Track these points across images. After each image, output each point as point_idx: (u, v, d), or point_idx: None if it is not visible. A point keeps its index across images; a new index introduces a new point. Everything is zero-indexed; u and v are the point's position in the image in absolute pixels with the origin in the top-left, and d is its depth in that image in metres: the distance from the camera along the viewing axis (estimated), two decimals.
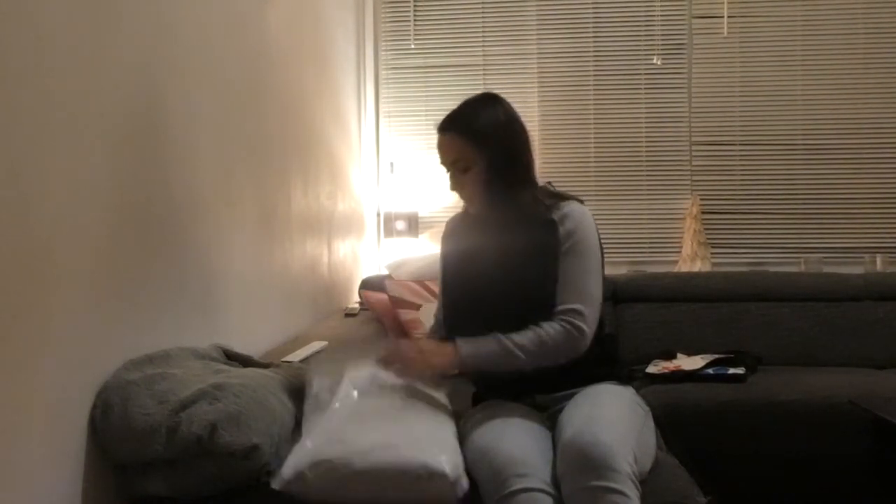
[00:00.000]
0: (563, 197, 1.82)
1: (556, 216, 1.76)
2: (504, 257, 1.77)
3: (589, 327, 1.71)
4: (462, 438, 1.65)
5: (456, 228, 1.94)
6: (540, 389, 1.77)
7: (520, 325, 1.71)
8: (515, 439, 1.55)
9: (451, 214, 1.98)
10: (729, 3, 3.75)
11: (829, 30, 3.73)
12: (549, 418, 1.71)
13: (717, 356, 2.85)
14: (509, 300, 1.74)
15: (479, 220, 1.86)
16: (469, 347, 1.69)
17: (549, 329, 1.69)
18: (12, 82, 1.30)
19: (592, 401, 1.65)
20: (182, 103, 1.90)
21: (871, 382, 2.70)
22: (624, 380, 1.83)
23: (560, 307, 1.71)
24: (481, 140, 1.77)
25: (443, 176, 1.85)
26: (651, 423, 1.73)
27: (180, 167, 1.88)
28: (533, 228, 1.76)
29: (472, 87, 3.89)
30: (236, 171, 2.25)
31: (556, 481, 1.48)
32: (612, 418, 1.56)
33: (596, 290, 1.75)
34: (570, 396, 1.70)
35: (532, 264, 1.75)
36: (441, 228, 1.98)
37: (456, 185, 1.82)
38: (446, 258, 1.93)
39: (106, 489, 1.53)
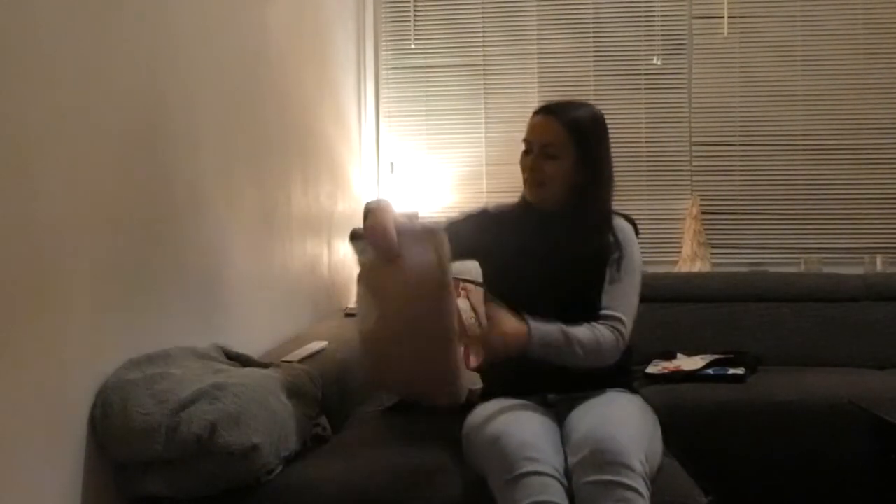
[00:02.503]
0: (615, 213, 1.86)
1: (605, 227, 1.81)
2: (552, 259, 1.78)
3: (626, 340, 1.75)
4: (470, 430, 1.66)
5: (505, 216, 1.92)
6: (552, 388, 1.78)
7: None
8: (528, 427, 1.57)
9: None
10: (729, 3, 3.75)
11: (829, 30, 3.73)
12: (556, 416, 1.71)
13: (717, 356, 2.84)
14: (549, 302, 1.75)
15: (531, 215, 1.86)
16: (540, 333, 1.66)
17: (604, 331, 1.72)
18: (14, 85, 1.30)
19: (606, 403, 1.68)
20: (182, 103, 1.90)
21: (871, 383, 2.70)
22: (635, 389, 1.85)
23: (607, 312, 1.75)
24: (578, 137, 1.79)
25: (521, 153, 1.84)
26: (659, 431, 1.74)
27: (181, 167, 1.88)
28: (584, 235, 1.79)
29: (472, 87, 3.90)
30: (236, 171, 2.25)
31: (566, 474, 1.49)
32: (626, 420, 1.59)
33: (635, 306, 1.80)
34: (582, 399, 1.71)
35: (579, 270, 1.77)
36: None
37: (535, 167, 1.81)
38: (493, 246, 1.87)
39: (106, 489, 1.53)
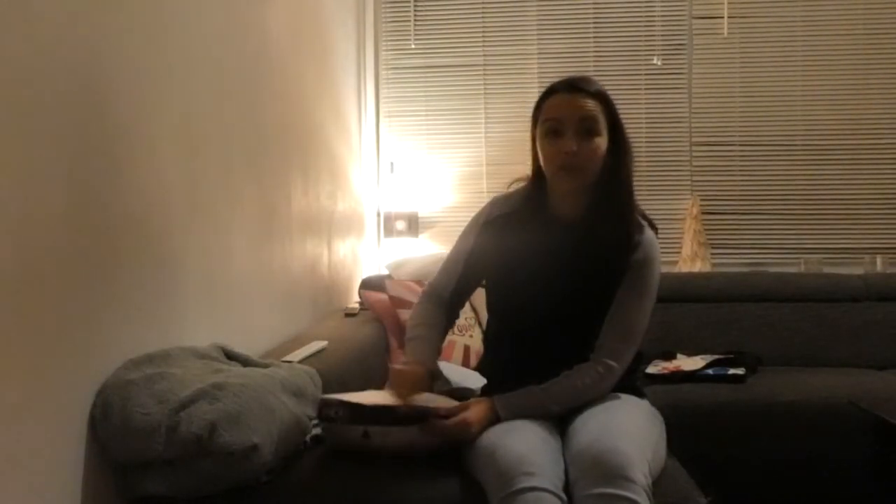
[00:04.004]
0: (644, 219, 1.77)
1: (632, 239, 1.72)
2: (571, 266, 1.72)
3: (623, 366, 1.71)
4: None
5: (513, 217, 1.81)
6: None
7: (565, 340, 1.70)
8: (524, 439, 1.52)
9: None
10: (729, 3, 3.75)
11: (829, 30, 3.73)
12: (560, 423, 1.67)
13: (717, 357, 2.85)
14: (564, 312, 1.72)
15: (547, 225, 1.77)
16: (509, 411, 1.63)
17: (585, 377, 1.67)
18: (12, 83, 1.30)
19: (611, 410, 1.63)
20: (183, 103, 1.90)
21: (871, 383, 2.70)
22: (641, 392, 1.82)
23: (602, 342, 1.70)
24: (608, 108, 1.70)
25: (553, 134, 1.68)
26: (664, 437, 1.70)
27: (181, 167, 1.88)
28: (610, 245, 1.71)
29: (472, 87, 3.90)
30: (236, 171, 2.25)
31: (565, 486, 1.46)
32: (630, 429, 1.54)
33: (643, 328, 1.74)
34: (587, 404, 1.67)
35: (598, 282, 1.71)
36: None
37: (576, 149, 1.66)
38: (497, 249, 1.80)
39: (106, 489, 1.53)
